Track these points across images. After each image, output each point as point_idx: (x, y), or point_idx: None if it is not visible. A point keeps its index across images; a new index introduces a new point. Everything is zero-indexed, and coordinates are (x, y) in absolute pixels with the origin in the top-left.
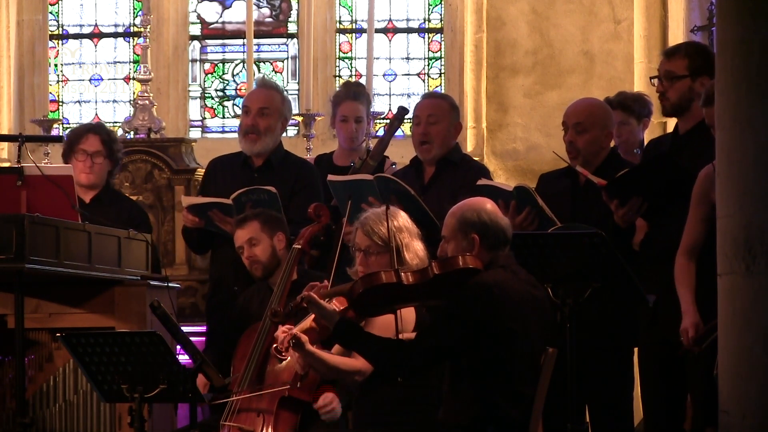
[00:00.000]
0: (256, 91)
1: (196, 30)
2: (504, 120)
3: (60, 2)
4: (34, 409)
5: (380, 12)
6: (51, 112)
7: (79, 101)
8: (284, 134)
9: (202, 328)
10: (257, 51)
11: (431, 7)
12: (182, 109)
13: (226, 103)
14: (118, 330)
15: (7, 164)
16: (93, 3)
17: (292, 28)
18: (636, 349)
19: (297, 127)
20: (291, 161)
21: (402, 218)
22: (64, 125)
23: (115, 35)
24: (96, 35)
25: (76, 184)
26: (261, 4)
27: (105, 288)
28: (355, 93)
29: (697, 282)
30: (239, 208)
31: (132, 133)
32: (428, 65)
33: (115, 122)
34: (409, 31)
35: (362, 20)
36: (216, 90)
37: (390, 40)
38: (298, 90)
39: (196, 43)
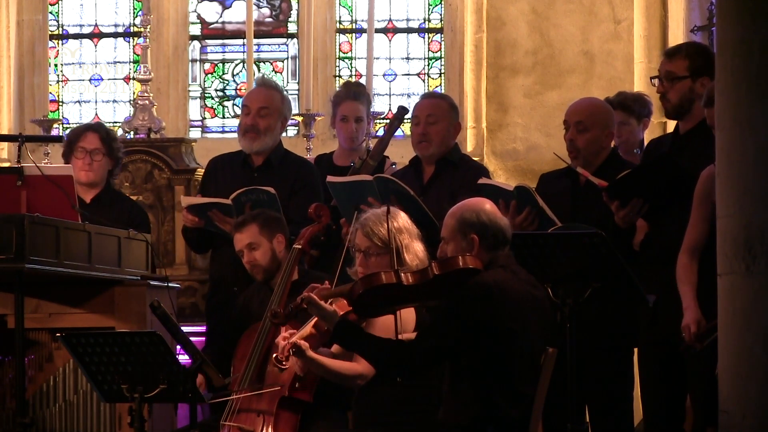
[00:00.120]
0: (256, 90)
1: (196, 30)
2: (504, 120)
3: (60, 2)
4: (34, 409)
5: (380, 12)
6: (51, 112)
7: (79, 101)
8: (284, 134)
9: (202, 328)
10: (257, 51)
11: (431, 7)
12: (182, 109)
13: (226, 103)
14: (118, 330)
15: (7, 164)
16: (93, 3)
17: (292, 28)
18: (636, 349)
19: (297, 127)
20: (291, 160)
21: (402, 219)
22: (64, 125)
23: (115, 35)
24: (96, 35)
25: (77, 182)
26: (261, 4)
27: (105, 288)
28: (356, 93)
29: (699, 281)
30: (238, 208)
31: (132, 133)
32: (428, 65)
33: (115, 122)
34: (409, 31)
35: (362, 20)
36: (216, 90)
37: (390, 40)
38: (298, 90)
39: (196, 43)
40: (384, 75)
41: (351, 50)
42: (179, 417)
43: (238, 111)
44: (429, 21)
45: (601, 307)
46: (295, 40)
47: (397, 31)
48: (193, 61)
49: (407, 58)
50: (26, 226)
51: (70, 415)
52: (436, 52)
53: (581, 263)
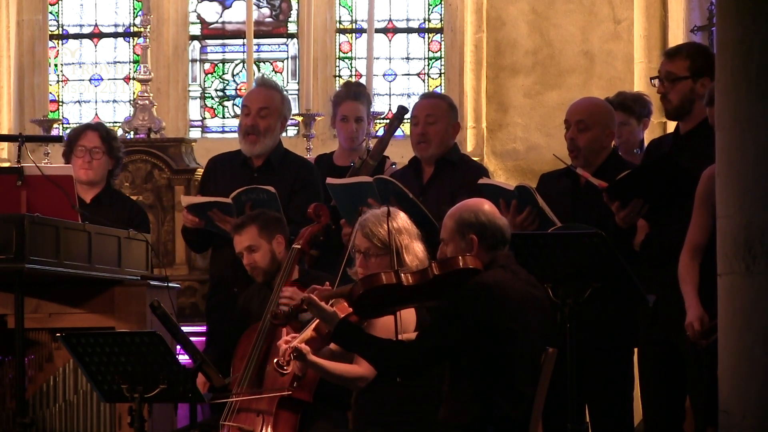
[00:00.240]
0: (256, 90)
1: (196, 30)
2: (504, 120)
3: (60, 2)
4: (34, 409)
5: (380, 12)
6: (51, 112)
7: (79, 101)
8: (284, 134)
9: (202, 328)
10: (257, 51)
11: (431, 7)
12: (182, 109)
13: (226, 103)
14: (118, 330)
15: (7, 164)
16: (93, 3)
17: (292, 28)
18: (636, 349)
19: (297, 127)
20: (290, 160)
21: (402, 219)
22: (64, 125)
23: (115, 35)
24: (96, 35)
25: (77, 181)
26: (261, 4)
27: (105, 288)
28: (356, 93)
29: (702, 282)
30: (239, 207)
31: (132, 133)
32: (428, 65)
33: (115, 122)
34: (409, 31)
35: (362, 20)
36: (216, 90)
37: (390, 40)
38: (298, 90)
39: (196, 43)
40: (384, 75)
41: (351, 50)
42: (179, 417)
43: (238, 111)
44: (429, 21)
45: (601, 307)
46: (295, 40)
47: (397, 31)
48: (193, 61)
49: (407, 58)
50: (26, 226)
51: (70, 415)
52: (436, 52)
53: (581, 263)
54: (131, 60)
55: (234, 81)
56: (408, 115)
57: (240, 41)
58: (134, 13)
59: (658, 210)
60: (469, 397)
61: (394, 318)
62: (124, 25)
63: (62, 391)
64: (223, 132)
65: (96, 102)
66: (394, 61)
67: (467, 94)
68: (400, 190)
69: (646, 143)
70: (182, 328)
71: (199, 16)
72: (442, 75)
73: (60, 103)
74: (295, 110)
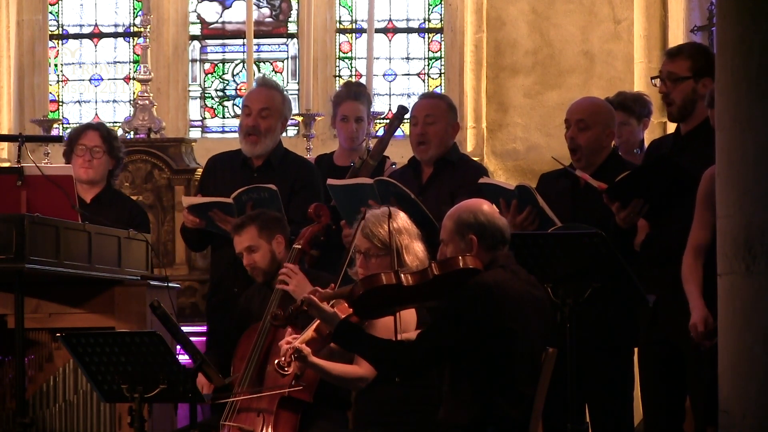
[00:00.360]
0: (257, 90)
1: (196, 30)
2: (504, 120)
3: (60, 2)
4: (34, 409)
5: (380, 12)
6: (51, 112)
7: (79, 101)
8: (284, 134)
9: (202, 328)
10: (257, 51)
11: (431, 7)
12: (182, 109)
13: (226, 103)
14: (118, 330)
15: (7, 164)
16: (93, 3)
17: (292, 28)
18: (636, 349)
19: (297, 127)
20: (290, 160)
21: (402, 219)
22: (64, 125)
23: (115, 35)
24: (96, 35)
25: (77, 181)
26: (261, 4)
27: (105, 288)
28: (356, 93)
29: (705, 282)
30: (240, 207)
31: (132, 133)
32: (428, 65)
33: (115, 122)
34: (409, 31)
35: (362, 20)
36: (216, 90)
37: (390, 40)
38: (298, 90)
39: (196, 43)
40: (384, 75)
41: (351, 50)
42: (179, 417)
43: (238, 111)
44: (429, 21)
45: (601, 307)
46: (295, 40)
47: (397, 31)
48: (193, 61)
49: (407, 58)
50: (26, 226)
51: (70, 415)
52: (436, 52)
53: (581, 263)
54: (131, 60)
55: (234, 81)
56: (407, 115)
57: (240, 41)
58: (134, 13)
59: (659, 210)
60: (469, 397)
61: (394, 318)
62: (124, 25)
63: (62, 391)
64: (223, 132)
65: (96, 102)
66: (394, 61)
67: (467, 94)
68: (401, 191)
69: (646, 143)
70: (182, 328)
71: (199, 16)
72: (442, 75)
73: (60, 103)
74: (295, 110)
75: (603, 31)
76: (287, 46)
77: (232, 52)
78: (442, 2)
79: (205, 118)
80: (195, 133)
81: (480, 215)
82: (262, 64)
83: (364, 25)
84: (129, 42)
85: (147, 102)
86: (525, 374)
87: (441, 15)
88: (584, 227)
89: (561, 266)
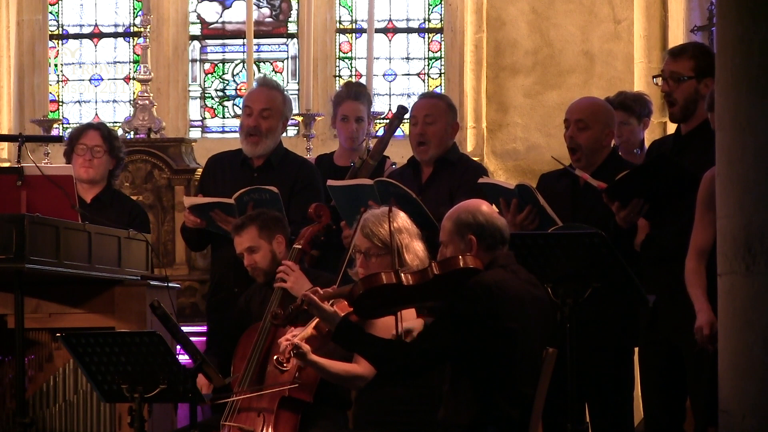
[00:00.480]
0: (258, 90)
1: (196, 30)
2: (504, 120)
3: (60, 2)
4: (34, 409)
5: (380, 12)
6: (51, 112)
7: (79, 101)
8: (284, 134)
9: (202, 328)
10: (257, 51)
11: (431, 7)
12: (182, 109)
13: (226, 103)
14: (118, 330)
15: (7, 164)
16: (93, 3)
17: (292, 28)
18: (636, 349)
19: (297, 127)
20: (290, 160)
21: (402, 219)
22: (64, 125)
23: (115, 35)
24: (96, 35)
25: (77, 180)
26: (261, 4)
27: (105, 288)
28: (356, 93)
29: (709, 285)
30: (241, 207)
31: (132, 133)
32: (428, 65)
33: (115, 122)
34: (409, 31)
35: (362, 20)
36: (216, 90)
37: (390, 40)
38: (298, 90)
39: (196, 43)
40: (384, 75)
41: (351, 50)
42: (179, 417)
43: (238, 111)
44: (429, 21)
45: (601, 307)
46: (295, 40)
47: (397, 31)
48: (193, 61)
49: (407, 58)
50: (26, 226)
51: (70, 415)
52: (436, 52)
53: (581, 263)
54: (131, 60)
55: (234, 81)
56: (407, 115)
57: (240, 41)
58: (134, 13)
59: (658, 209)
60: (469, 397)
61: (396, 317)
62: (124, 25)
63: (62, 391)
64: (223, 132)
65: (96, 102)
66: (394, 61)
67: (467, 94)
68: (402, 192)
69: (646, 143)
70: (182, 328)
71: (199, 16)
72: (442, 75)
73: (60, 103)
74: (295, 110)
75: (603, 31)
76: (287, 46)
77: (232, 52)
78: (442, 2)
79: (205, 118)
80: (195, 133)
81: (479, 215)
82: (262, 64)
83: (364, 25)
84: (129, 42)
85: (147, 102)
86: (525, 374)
87: (441, 15)
88: (584, 227)
89: (561, 266)
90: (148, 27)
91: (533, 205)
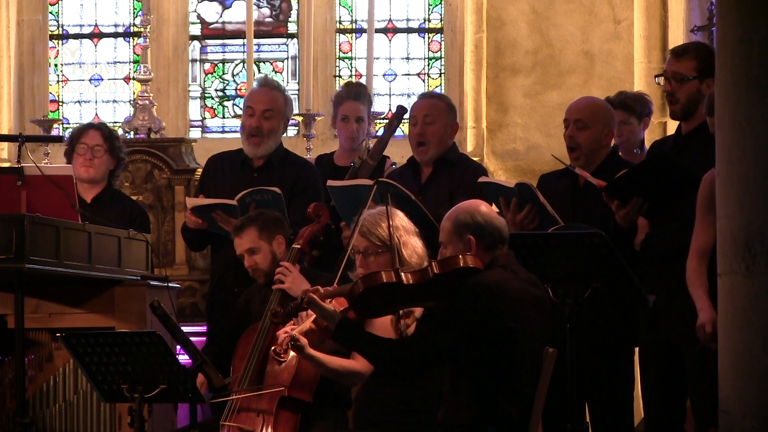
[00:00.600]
0: (260, 91)
1: (196, 30)
2: (504, 120)
3: (60, 2)
4: (34, 409)
5: (380, 12)
6: (51, 112)
7: (79, 101)
8: (284, 134)
9: (202, 328)
10: (257, 51)
11: (431, 7)
12: (182, 109)
13: (226, 103)
14: (118, 330)
15: (7, 164)
16: (93, 3)
17: (292, 28)
18: (636, 349)
19: (297, 127)
20: (291, 161)
21: (398, 217)
22: (64, 125)
23: (115, 35)
24: (96, 35)
25: (78, 180)
26: (261, 4)
27: (105, 288)
28: (356, 93)
29: (711, 285)
30: (243, 209)
31: (132, 133)
32: (428, 65)
33: (115, 122)
34: (409, 31)
35: (362, 20)
36: (216, 90)
37: (390, 40)
38: (298, 90)
39: (196, 43)
40: (384, 75)
41: (351, 50)
42: (179, 417)
43: (238, 111)
44: (429, 21)
45: (601, 307)
46: (295, 40)
47: (397, 31)
48: (193, 61)
49: (407, 58)
50: (26, 226)
51: (70, 415)
52: (436, 52)
53: (581, 263)
54: (131, 60)
55: (234, 81)
56: (407, 115)
57: (240, 41)
58: (134, 13)
59: (658, 208)
60: (469, 397)
61: (396, 316)
62: (124, 25)
63: (62, 391)
64: (223, 132)
65: (96, 102)
66: (394, 61)
67: (467, 94)
68: (401, 193)
69: (646, 143)
70: (182, 328)
71: (199, 16)
72: (442, 75)
73: (60, 103)
74: (295, 110)
75: (603, 31)
76: (287, 46)
77: (232, 52)
78: (442, 2)
79: (205, 118)
80: (195, 133)
81: (477, 215)
82: (262, 64)
83: (364, 25)
84: (129, 42)
85: (147, 102)
86: (525, 374)
87: (441, 15)
88: (584, 227)
89: (561, 266)
90: (148, 27)
91: (533, 204)
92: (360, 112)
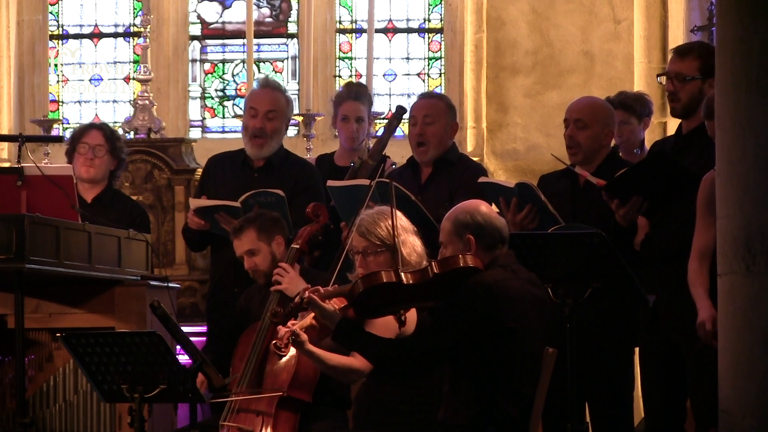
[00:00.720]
0: (262, 92)
1: (196, 30)
2: (504, 120)
3: (60, 2)
4: (34, 409)
5: (380, 12)
6: (51, 112)
7: (79, 101)
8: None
9: (202, 328)
10: (257, 51)
11: (431, 7)
12: (182, 109)
13: (226, 103)
14: (118, 330)
15: (7, 164)
16: (93, 3)
17: (292, 28)
18: (636, 349)
19: (297, 127)
20: (291, 161)
21: (397, 216)
22: (64, 125)
23: (115, 35)
24: (96, 35)
25: (78, 180)
26: (261, 4)
27: (105, 288)
28: (357, 93)
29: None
30: (247, 210)
31: (132, 133)
32: (428, 65)
33: (115, 122)
34: (409, 31)
35: (362, 20)
36: (216, 90)
37: (390, 40)
38: (298, 90)
39: (196, 43)
40: (384, 75)
41: (351, 50)
42: (179, 417)
43: (238, 111)
44: (429, 21)
45: (601, 307)
46: (295, 40)
47: (397, 31)
48: (193, 61)
49: (407, 58)
50: (26, 226)
51: (70, 415)
52: (436, 52)
53: (581, 263)
54: (131, 60)
55: (234, 81)
56: (406, 115)
57: (240, 41)
58: (134, 13)
59: (658, 207)
60: (469, 397)
61: (396, 316)
62: (124, 25)
63: (62, 391)
64: (223, 132)
65: (96, 102)
66: (394, 61)
67: (467, 94)
68: (401, 193)
69: (646, 143)
70: (182, 328)
71: (199, 16)
72: (442, 75)
73: (60, 103)
74: (295, 110)
75: (603, 31)
76: (287, 46)
77: (232, 52)
78: (442, 2)
79: (205, 118)
80: (195, 133)
81: (477, 215)
82: (262, 64)
83: (364, 25)
84: (129, 42)
85: (147, 102)
86: (525, 374)
87: (441, 15)
88: (584, 227)
89: (561, 266)
90: (148, 27)
91: (534, 204)
92: (360, 113)
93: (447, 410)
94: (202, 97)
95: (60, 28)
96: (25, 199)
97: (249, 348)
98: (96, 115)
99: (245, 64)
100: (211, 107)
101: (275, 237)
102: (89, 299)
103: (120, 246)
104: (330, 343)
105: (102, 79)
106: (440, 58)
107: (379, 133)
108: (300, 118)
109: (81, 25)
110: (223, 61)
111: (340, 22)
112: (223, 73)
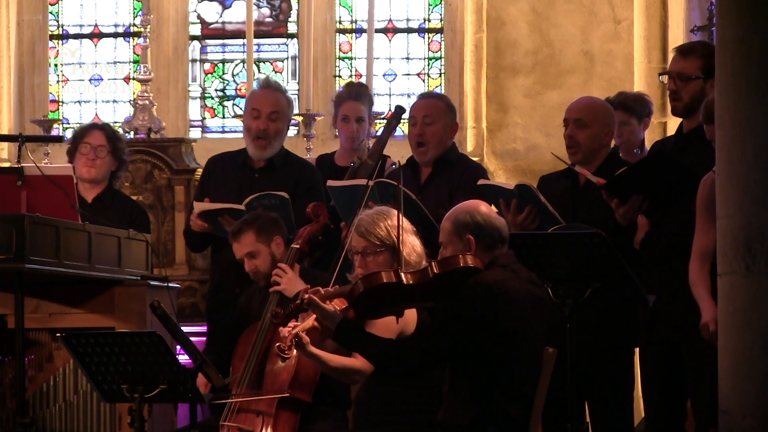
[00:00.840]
0: (264, 93)
1: (196, 30)
2: (504, 120)
3: (60, 2)
4: (34, 409)
5: (380, 12)
6: (51, 112)
7: (79, 101)
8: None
9: (202, 328)
10: (257, 51)
11: (431, 7)
12: (182, 109)
13: (226, 103)
14: (118, 330)
15: (7, 164)
16: (93, 3)
17: (292, 28)
18: (636, 349)
19: (297, 127)
20: (292, 162)
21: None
22: (64, 125)
23: (115, 35)
24: (96, 35)
25: (79, 180)
26: (261, 4)
27: (105, 288)
28: (357, 93)
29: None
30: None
31: (132, 133)
32: (428, 65)
33: (115, 122)
34: (409, 31)
35: (362, 20)
36: (216, 90)
37: (390, 40)
38: (298, 90)
39: (196, 43)
40: (384, 75)
41: (351, 50)
42: (179, 417)
43: (238, 111)
44: (429, 21)
45: (601, 307)
46: (295, 40)
47: (397, 31)
48: (193, 61)
49: (407, 58)
50: (26, 226)
51: (70, 415)
52: (436, 52)
53: (581, 263)
54: (131, 60)
55: (234, 81)
56: (406, 115)
57: (240, 41)
58: (134, 13)
59: (658, 206)
60: (469, 397)
61: (395, 318)
62: (124, 25)
63: (62, 391)
64: (223, 132)
65: (96, 102)
66: (394, 61)
67: (467, 94)
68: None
69: (646, 143)
70: (182, 328)
71: (199, 16)
72: (442, 75)
73: (60, 103)
74: (295, 110)
75: (603, 31)
76: (287, 46)
77: (232, 52)
78: (442, 2)
79: (205, 118)
80: (195, 133)
81: (477, 215)
82: (262, 64)
83: (364, 25)
84: (129, 42)
85: (147, 102)
86: (525, 374)
87: (441, 15)
88: (584, 227)
89: (561, 266)
90: (148, 27)
91: (534, 205)
92: (360, 113)
93: (447, 410)
94: (202, 97)
95: (60, 28)
96: (25, 199)
97: (249, 348)
98: (96, 115)
99: (245, 64)
100: (211, 107)
101: (274, 238)
102: (89, 299)
103: (120, 246)
104: (333, 345)
105: (102, 79)
106: (440, 58)
107: (379, 133)
108: (300, 118)
109: (81, 25)
110: (223, 61)
111: (340, 22)
112: (223, 73)
